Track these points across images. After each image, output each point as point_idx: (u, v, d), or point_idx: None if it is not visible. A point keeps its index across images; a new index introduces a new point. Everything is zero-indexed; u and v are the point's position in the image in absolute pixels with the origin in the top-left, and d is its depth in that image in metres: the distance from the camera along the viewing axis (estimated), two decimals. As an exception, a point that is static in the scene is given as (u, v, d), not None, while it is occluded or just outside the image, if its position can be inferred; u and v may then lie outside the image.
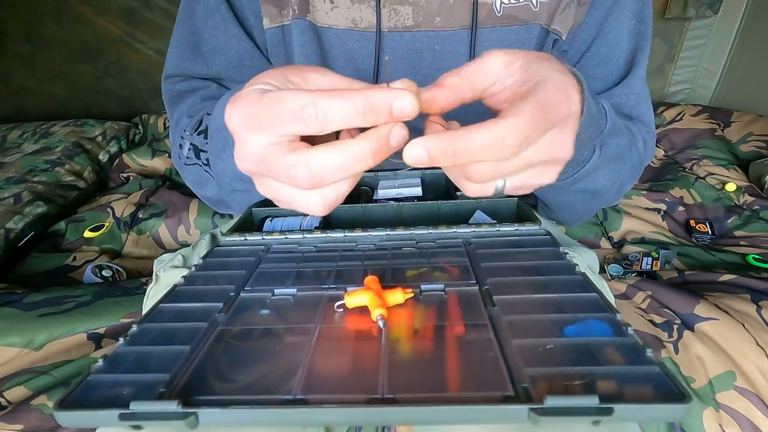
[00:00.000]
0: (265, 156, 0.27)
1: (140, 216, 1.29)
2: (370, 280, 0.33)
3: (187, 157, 0.56)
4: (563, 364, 0.25)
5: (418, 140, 0.27)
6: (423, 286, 0.34)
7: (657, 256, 1.04)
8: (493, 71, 0.31)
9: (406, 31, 0.54)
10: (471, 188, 0.31)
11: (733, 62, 1.59)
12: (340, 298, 0.33)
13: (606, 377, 0.23)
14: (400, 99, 0.26)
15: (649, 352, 0.25)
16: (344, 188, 0.29)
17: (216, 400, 0.24)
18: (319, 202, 0.29)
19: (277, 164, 0.27)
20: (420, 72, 0.56)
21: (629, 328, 0.27)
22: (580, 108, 0.30)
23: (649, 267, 1.02)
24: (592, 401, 0.21)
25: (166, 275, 0.59)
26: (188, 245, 0.68)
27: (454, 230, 0.44)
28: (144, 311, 0.62)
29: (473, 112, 0.37)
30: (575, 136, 0.30)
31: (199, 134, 0.55)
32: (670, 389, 0.22)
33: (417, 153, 0.27)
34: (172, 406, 0.22)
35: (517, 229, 0.44)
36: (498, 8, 0.53)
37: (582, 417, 0.21)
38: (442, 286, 0.34)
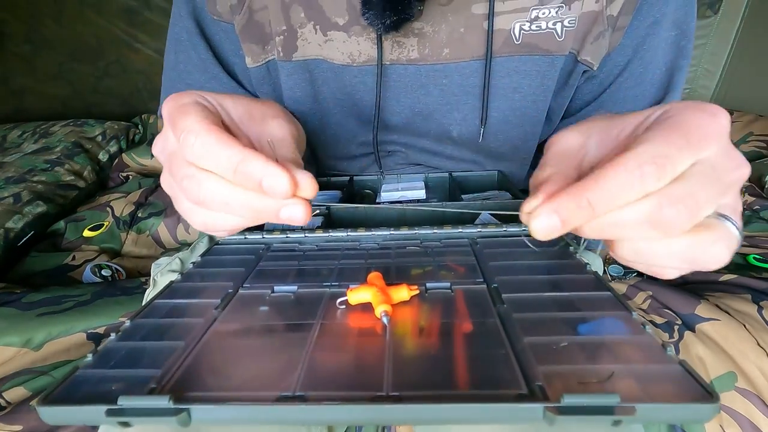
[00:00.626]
0: (174, 154, 0.28)
1: (139, 215, 1.29)
2: (374, 276, 0.32)
3: None
4: (579, 362, 0.24)
5: (542, 208, 0.24)
6: (428, 284, 0.34)
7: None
8: (574, 144, 0.28)
9: (411, 64, 0.49)
10: (713, 254, 0.24)
11: (733, 62, 1.59)
12: (343, 295, 0.32)
13: (625, 376, 0.22)
14: (272, 177, 0.25)
15: (669, 351, 0.24)
16: (230, 223, 0.29)
17: (210, 396, 0.23)
18: (200, 219, 0.29)
19: (178, 169, 0.27)
20: (426, 107, 0.52)
21: (647, 326, 0.26)
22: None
23: (650, 267, 1.01)
24: (613, 400, 0.20)
25: (164, 279, 0.58)
26: (188, 244, 0.67)
27: (460, 230, 0.44)
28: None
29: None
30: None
31: None
32: (694, 388, 0.21)
33: (548, 223, 0.24)
34: (163, 402, 0.21)
35: (524, 230, 0.43)
36: (517, 35, 0.46)
37: (602, 416, 0.20)
38: (448, 284, 0.34)
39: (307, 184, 0.27)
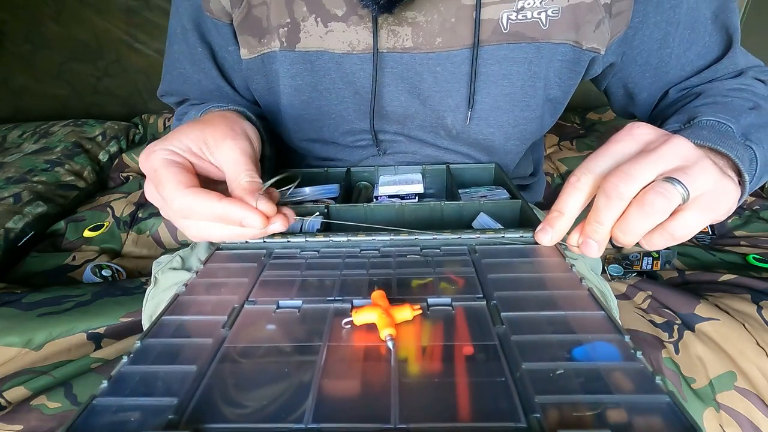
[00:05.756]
0: (165, 207, 0.38)
1: (140, 215, 1.29)
2: (378, 295, 0.33)
3: None
4: (573, 391, 0.25)
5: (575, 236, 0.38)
6: (430, 300, 0.34)
7: (657, 256, 1.04)
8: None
9: (406, 53, 0.52)
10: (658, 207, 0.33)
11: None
12: (347, 311, 0.32)
13: (616, 406, 0.23)
14: (249, 218, 0.35)
15: (658, 380, 0.25)
16: (220, 236, 0.38)
17: (226, 428, 0.23)
18: (194, 233, 0.39)
19: (174, 217, 0.38)
20: (421, 93, 0.55)
21: (638, 353, 0.27)
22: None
23: (649, 267, 1.02)
24: None
25: (165, 277, 0.59)
26: (187, 245, 0.67)
27: (459, 236, 0.44)
28: (144, 314, 0.61)
29: None
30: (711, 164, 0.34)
31: None
32: (680, 421, 0.22)
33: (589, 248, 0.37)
34: None
35: (522, 236, 0.43)
36: (504, 25, 0.49)
37: None
38: (449, 300, 0.34)
39: (274, 217, 0.38)
